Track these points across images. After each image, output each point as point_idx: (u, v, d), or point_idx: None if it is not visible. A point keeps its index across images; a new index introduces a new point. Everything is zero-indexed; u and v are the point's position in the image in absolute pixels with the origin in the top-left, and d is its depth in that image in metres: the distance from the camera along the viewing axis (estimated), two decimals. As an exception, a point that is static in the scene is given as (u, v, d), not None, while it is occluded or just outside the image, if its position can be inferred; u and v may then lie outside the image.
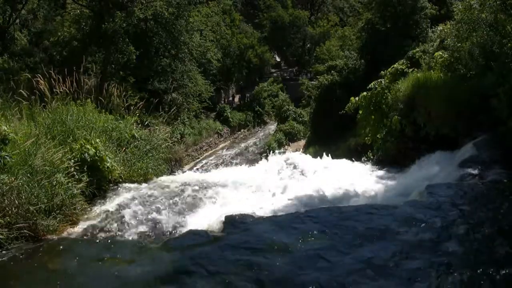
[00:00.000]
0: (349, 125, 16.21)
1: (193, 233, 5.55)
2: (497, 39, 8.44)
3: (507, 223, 5.15)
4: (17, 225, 5.31)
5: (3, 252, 5.03)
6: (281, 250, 4.77)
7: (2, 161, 5.68)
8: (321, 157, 11.14)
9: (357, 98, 12.75)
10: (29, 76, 10.00)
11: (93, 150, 7.24)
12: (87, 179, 6.80)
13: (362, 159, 12.58)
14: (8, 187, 5.42)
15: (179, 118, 24.38)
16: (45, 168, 6.10)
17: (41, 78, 8.42)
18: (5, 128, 5.95)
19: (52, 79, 8.59)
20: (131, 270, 4.64)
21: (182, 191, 7.75)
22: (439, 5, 21.32)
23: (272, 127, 36.99)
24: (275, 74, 46.88)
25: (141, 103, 10.17)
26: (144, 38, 20.41)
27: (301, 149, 25.13)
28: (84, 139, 7.48)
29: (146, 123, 11.86)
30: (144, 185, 7.98)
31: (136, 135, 9.01)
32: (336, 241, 4.92)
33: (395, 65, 12.90)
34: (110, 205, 6.93)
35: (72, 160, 6.80)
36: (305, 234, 5.10)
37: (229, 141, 33.68)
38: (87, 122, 8.18)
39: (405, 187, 7.57)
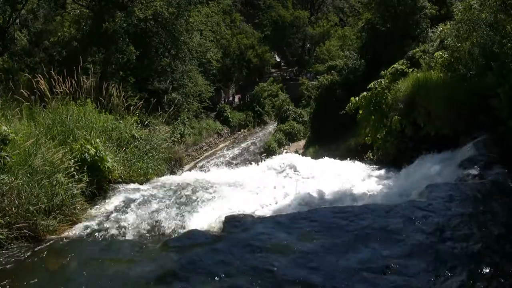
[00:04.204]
0: (349, 125, 16.19)
1: (193, 233, 5.55)
2: (497, 39, 8.44)
3: (507, 222, 5.16)
4: (17, 225, 5.31)
5: (3, 252, 5.03)
6: (281, 250, 4.77)
7: (2, 161, 5.68)
8: (321, 157, 11.13)
9: (357, 98, 12.74)
10: (29, 76, 10.00)
11: (93, 150, 7.24)
12: (87, 179, 6.80)
13: (362, 159, 12.59)
14: (8, 187, 5.42)
15: (179, 118, 24.33)
16: (45, 168, 6.10)
17: (41, 78, 8.41)
18: (5, 128, 5.95)
19: (52, 79, 8.59)
20: (131, 270, 4.64)
21: (182, 191, 7.74)
22: (439, 5, 21.27)
23: (272, 127, 36.97)
24: (275, 74, 46.77)
25: (140, 103, 10.17)
26: (144, 38, 20.39)
27: (301, 149, 25.14)
28: (84, 139, 7.47)
29: (146, 123, 11.85)
30: (144, 185, 7.97)
31: (136, 135, 9.01)
32: (336, 241, 4.92)
33: (395, 65, 12.88)
34: (110, 205, 6.93)
35: (72, 160, 6.80)
36: (305, 234, 5.10)
37: (229, 141, 33.64)
38: (87, 122, 8.18)
39: (405, 187, 7.58)
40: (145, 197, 7.30)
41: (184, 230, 6.06)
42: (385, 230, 5.03)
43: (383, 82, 12.37)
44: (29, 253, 5.03)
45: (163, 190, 7.74)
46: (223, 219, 5.87)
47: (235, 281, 4.21)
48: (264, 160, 13.30)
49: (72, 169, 6.55)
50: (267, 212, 6.86)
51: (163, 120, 12.83)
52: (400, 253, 4.51)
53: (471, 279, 4.04)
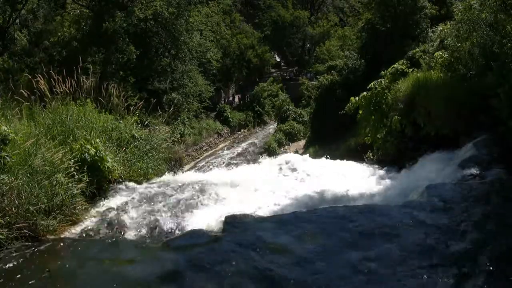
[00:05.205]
0: (349, 125, 16.20)
1: (193, 233, 5.55)
2: (497, 39, 8.44)
3: (507, 222, 5.16)
4: (17, 225, 5.31)
5: (3, 252, 5.03)
6: (280, 250, 4.77)
7: (2, 161, 5.68)
8: (321, 157, 11.13)
9: (357, 98, 12.73)
10: (29, 76, 10.00)
11: (93, 150, 7.24)
12: (87, 179, 6.79)
13: (362, 159, 12.59)
14: (8, 187, 5.41)
15: (179, 118, 24.36)
16: (45, 168, 6.09)
17: (41, 78, 8.41)
18: (5, 128, 5.94)
19: (52, 79, 8.59)
20: (131, 270, 4.64)
21: (182, 191, 7.74)
22: (439, 5, 21.27)
23: (272, 127, 36.97)
24: (275, 74, 46.79)
25: (141, 103, 10.17)
26: (144, 38, 20.43)
27: (301, 149, 25.14)
28: (84, 139, 7.47)
29: (146, 123, 11.85)
30: (144, 185, 7.97)
31: (136, 135, 9.01)
32: (335, 241, 4.92)
33: (395, 65, 12.88)
34: (110, 205, 6.92)
35: (72, 160, 6.80)
36: (305, 234, 5.10)
37: (229, 141, 33.66)
38: (87, 122, 8.18)
39: (405, 187, 7.57)
40: (145, 197, 7.29)
41: (184, 230, 6.05)
42: (385, 231, 5.03)
43: (383, 82, 12.37)
44: (29, 253, 5.03)
45: (163, 190, 7.74)
46: (223, 219, 5.86)
47: (235, 281, 4.21)
48: (264, 160, 13.28)
49: (72, 169, 6.54)
50: (267, 212, 6.86)
51: (163, 120, 12.84)
52: (400, 253, 4.51)
53: (470, 279, 4.04)
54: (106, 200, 7.11)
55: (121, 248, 5.49)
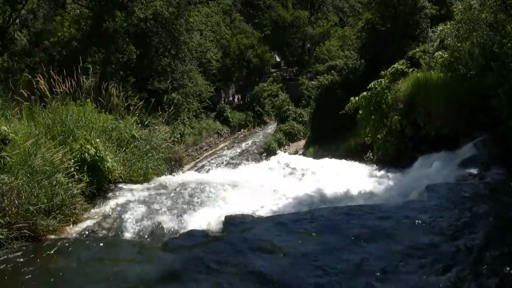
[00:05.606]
0: (349, 125, 16.19)
1: (193, 233, 5.56)
2: (497, 39, 8.45)
3: (506, 222, 5.16)
4: (17, 225, 5.31)
5: (3, 252, 5.03)
6: (281, 250, 4.77)
7: (2, 161, 5.68)
8: (321, 157, 11.13)
9: (357, 98, 12.74)
10: (29, 76, 10.00)
11: (93, 150, 7.23)
12: (87, 179, 6.79)
13: (362, 159, 12.59)
14: (8, 187, 5.41)
15: (179, 118, 24.33)
16: (45, 168, 6.09)
17: (41, 78, 8.41)
18: (5, 128, 5.94)
19: (52, 79, 8.59)
20: (131, 270, 4.64)
21: (182, 191, 7.74)
22: (439, 5, 21.27)
23: (272, 127, 36.97)
24: (275, 74, 46.75)
25: (141, 103, 10.16)
26: (144, 38, 20.41)
27: (301, 149, 25.14)
28: (84, 139, 7.47)
29: (146, 123, 11.84)
30: (144, 185, 7.97)
31: (136, 135, 9.01)
32: (335, 241, 4.92)
33: (395, 65, 12.89)
34: (110, 205, 6.92)
35: (72, 160, 6.79)
36: (305, 234, 5.10)
37: (229, 141, 33.65)
38: (87, 122, 8.18)
39: (405, 187, 7.58)
40: (145, 197, 7.29)
41: (184, 230, 6.06)
42: (385, 231, 5.04)
43: (383, 82, 12.38)
44: (29, 253, 5.03)
45: (163, 190, 7.74)
46: (223, 219, 5.87)
47: (235, 281, 4.21)
48: (264, 160, 13.30)
49: (72, 169, 6.54)
50: (267, 212, 6.86)
51: (163, 120, 12.85)
52: (400, 253, 4.51)
53: (470, 279, 4.04)
54: (106, 200, 7.11)
55: (121, 248, 5.49)
